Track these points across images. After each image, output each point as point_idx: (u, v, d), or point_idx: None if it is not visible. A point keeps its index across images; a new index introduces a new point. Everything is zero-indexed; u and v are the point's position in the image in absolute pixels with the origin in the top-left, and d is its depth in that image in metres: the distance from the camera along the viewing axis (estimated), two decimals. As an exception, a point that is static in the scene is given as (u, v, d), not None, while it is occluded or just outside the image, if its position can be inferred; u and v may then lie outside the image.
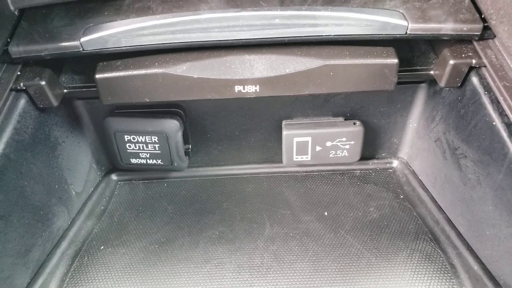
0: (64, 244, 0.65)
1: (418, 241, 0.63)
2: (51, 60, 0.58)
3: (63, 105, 0.66)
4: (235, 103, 0.71)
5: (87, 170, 0.75)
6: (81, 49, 0.56)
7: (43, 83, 0.57)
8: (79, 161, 0.73)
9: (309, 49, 0.58)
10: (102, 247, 0.65)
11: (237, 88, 0.59)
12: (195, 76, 0.57)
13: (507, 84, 0.52)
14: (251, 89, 0.59)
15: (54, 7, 0.59)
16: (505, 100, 0.52)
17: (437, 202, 0.69)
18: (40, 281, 0.59)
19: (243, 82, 0.58)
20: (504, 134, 0.51)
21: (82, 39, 0.55)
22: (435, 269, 0.58)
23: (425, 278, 0.57)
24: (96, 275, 0.60)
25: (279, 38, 0.56)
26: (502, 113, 0.52)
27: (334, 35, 0.56)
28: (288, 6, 0.56)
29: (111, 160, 0.79)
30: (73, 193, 0.70)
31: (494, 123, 0.52)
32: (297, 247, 0.63)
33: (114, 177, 0.80)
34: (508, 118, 0.51)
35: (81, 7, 0.59)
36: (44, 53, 0.56)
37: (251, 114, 0.73)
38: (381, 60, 0.57)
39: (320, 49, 0.58)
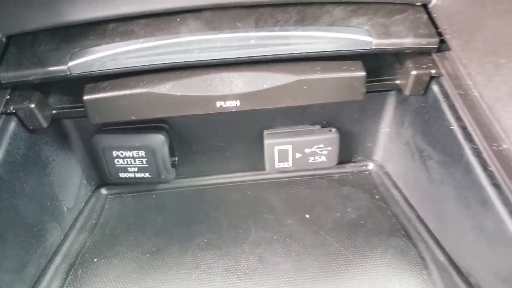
0: (58, 259, 0.67)
1: (392, 238, 0.67)
2: (40, 83, 0.60)
3: (52, 125, 0.68)
4: (218, 116, 0.73)
5: (77, 186, 0.77)
6: (68, 73, 0.58)
7: (32, 106, 0.59)
8: (69, 177, 0.74)
9: (284, 65, 0.62)
10: (95, 259, 0.67)
11: (219, 103, 0.62)
12: (178, 94, 0.61)
13: (461, 92, 0.57)
14: (232, 104, 0.63)
15: (40, 33, 0.62)
16: (460, 106, 0.57)
17: (409, 201, 0.73)
18: (36, 295, 0.61)
19: (224, 98, 0.62)
20: (461, 137, 0.56)
21: (70, 63, 0.58)
22: (407, 263, 0.62)
23: (399, 271, 0.61)
24: (91, 286, 0.63)
25: (255, 57, 0.60)
26: (458, 118, 0.57)
27: (306, 52, 0.60)
28: (262, 27, 0.60)
29: (101, 175, 0.81)
30: (65, 209, 0.72)
31: (452, 127, 0.58)
32: (280, 249, 0.66)
33: (104, 191, 0.82)
34: (463, 122, 0.56)
35: (67, 32, 0.61)
36: (32, 78, 0.58)
37: (233, 126, 0.76)
38: (350, 74, 0.62)
39: (293, 65, 0.62)
